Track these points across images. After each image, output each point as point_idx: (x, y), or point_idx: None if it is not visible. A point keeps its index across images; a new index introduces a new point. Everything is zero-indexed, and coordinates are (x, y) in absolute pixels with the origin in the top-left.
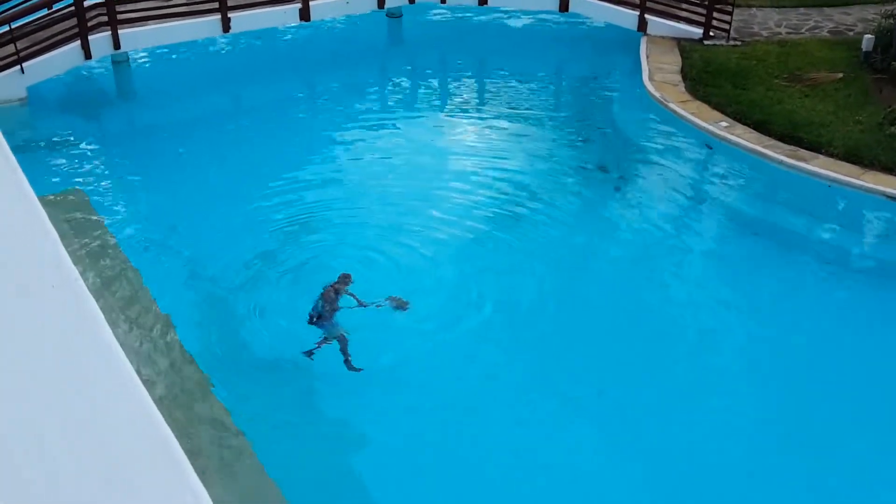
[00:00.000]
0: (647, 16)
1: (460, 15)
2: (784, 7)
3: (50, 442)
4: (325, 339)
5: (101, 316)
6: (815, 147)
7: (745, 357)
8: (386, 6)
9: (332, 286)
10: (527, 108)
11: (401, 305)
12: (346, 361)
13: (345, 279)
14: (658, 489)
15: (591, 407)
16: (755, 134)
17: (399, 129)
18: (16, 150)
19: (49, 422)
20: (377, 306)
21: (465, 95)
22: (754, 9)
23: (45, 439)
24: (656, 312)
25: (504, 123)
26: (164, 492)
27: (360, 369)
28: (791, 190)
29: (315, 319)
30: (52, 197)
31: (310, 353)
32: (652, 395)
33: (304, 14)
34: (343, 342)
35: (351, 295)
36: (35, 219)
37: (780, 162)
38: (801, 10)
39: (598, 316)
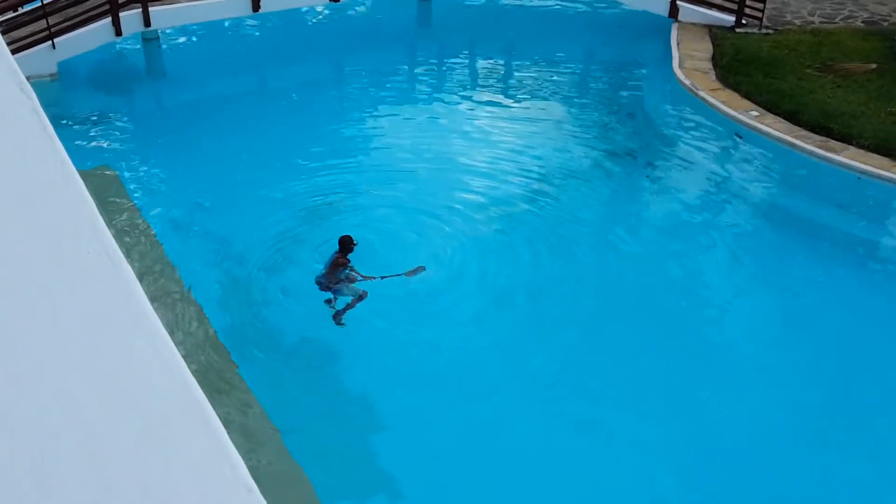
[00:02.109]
0: (678, 2)
1: None
2: None
3: (84, 404)
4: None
5: (137, 283)
6: (846, 138)
7: (771, 347)
8: None
9: (337, 254)
10: (556, 93)
11: (417, 272)
12: (338, 313)
13: (343, 243)
14: (680, 476)
15: (615, 393)
16: (786, 124)
17: (427, 111)
18: None
19: (84, 385)
20: (382, 278)
21: (494, 79)
22: None
23: (80, 402)
24: (683, 300)
25: (533, 107)
26: (202, 460)
27: (342, 325)
28: (820, 181)
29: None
30: (80, 173)
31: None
32: (675, 383)
33: None
34: (355, 301)
35: (354, 272)
36: (73, 187)
37: (810, 152)
38: None
39: (623, 302)
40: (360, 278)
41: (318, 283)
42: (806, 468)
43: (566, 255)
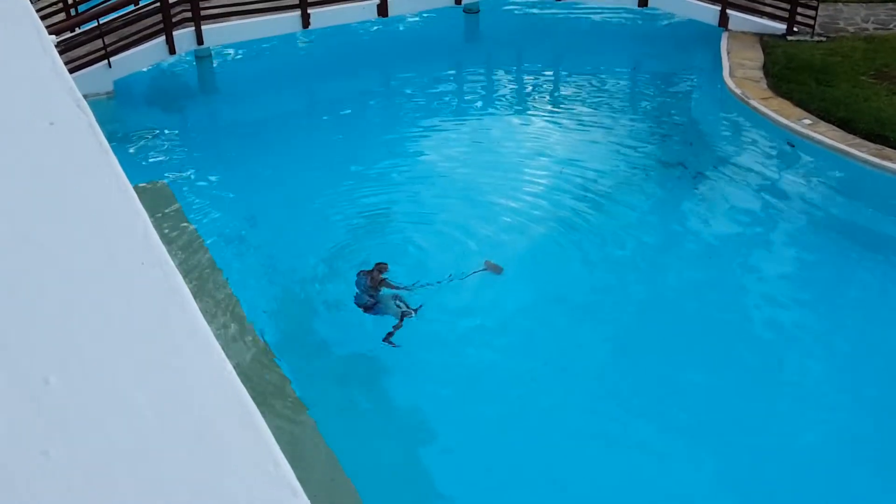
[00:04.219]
0: (728, 11)
1: (538, 10)
2: (872, 2)
3: (139, 411)
4: (397, 324)
5: (189, 294)
6: None
7: (827, 362)
8: (463, 2)
9: (368, 274)
10: (605, 104)
11: (495, 269)
12: (389, 335)
13: (379, 269)
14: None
15: (665, 411)
16: (839, 132)
17: (475, 124)
18: None
19: (138, 392)
20: (469, 275)
21: (542, 91)
22: (840, 4)
23: (135, 409)
24: (735, 313)
25: (581, 119)
26: (250, 462)
27: (396, 346)
28: (876, 189)
29: (365, 309)
30: (136, 187)
31: (389, 338)
32: (726, 401)
33: (382, 10)
34: (400, 319)
35: (392, 286)
36: (127, 200)
37: (865, 161)
38: (890, 5)
39: (674, 315)
40: (400, 290)
41: (360, 306)
42: (870, 492)
43: (618, 264)
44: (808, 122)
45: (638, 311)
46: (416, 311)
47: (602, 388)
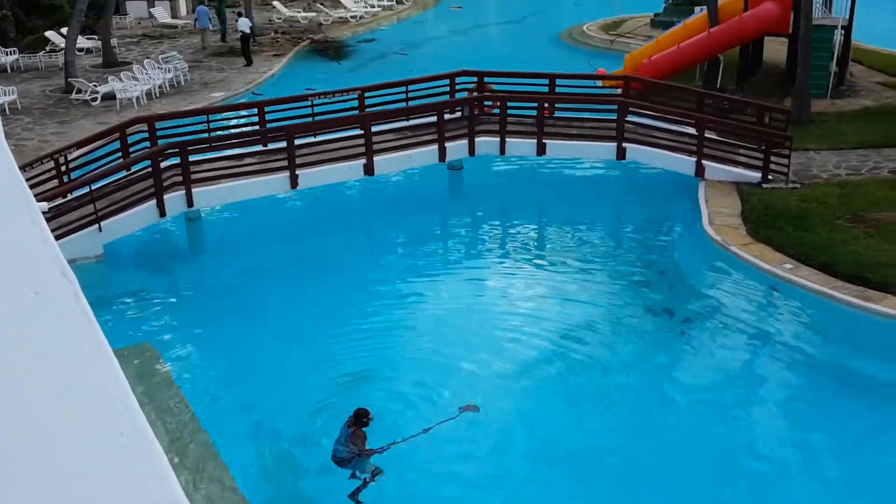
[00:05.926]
0: (704, 162)
1: (519, 165)
2: (843, 149)
3: None
4: (364, 480)
5: (168, 464)
6: (884, 287)
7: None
8: (447, 159)
9: (353, 427)
10: (587, 254)
11: (470, 409)
12: (353, 493)
13: (357, 416)
14: None
15: None
16: (821, 275)
17: (461, 277)
18: (90, 305)
19: None
20: (426, 431)
21: (525, 243)
22: (812, 152)
23: None
24: (724, 462)
25: (564, 269)
26: None
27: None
28: (862, 331)
29: (341, 462)
30: (122, 350)
31: (356, 495)
32: None
33: (369, 169)
34: (371, 478)
35: (366, 452)
36: (108, 369)
37: (849, 303)
38: (860, 151)
39: (662, 466)
40: (372, 457)
41: (335, 459)
42: None
43: (605, 412)
44: (789, 266)
45: (629, 463)
46: (375, 475)
47: None
